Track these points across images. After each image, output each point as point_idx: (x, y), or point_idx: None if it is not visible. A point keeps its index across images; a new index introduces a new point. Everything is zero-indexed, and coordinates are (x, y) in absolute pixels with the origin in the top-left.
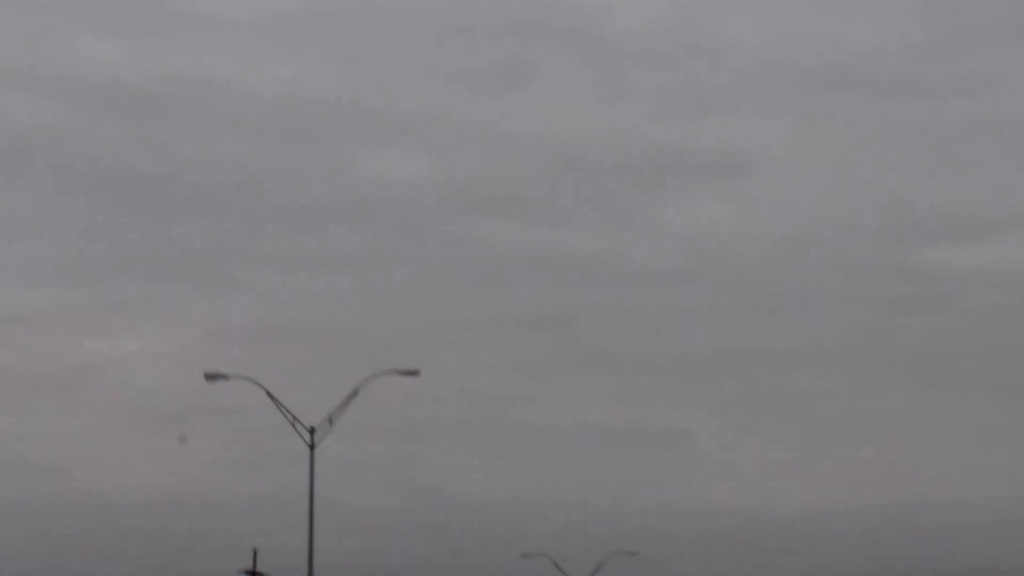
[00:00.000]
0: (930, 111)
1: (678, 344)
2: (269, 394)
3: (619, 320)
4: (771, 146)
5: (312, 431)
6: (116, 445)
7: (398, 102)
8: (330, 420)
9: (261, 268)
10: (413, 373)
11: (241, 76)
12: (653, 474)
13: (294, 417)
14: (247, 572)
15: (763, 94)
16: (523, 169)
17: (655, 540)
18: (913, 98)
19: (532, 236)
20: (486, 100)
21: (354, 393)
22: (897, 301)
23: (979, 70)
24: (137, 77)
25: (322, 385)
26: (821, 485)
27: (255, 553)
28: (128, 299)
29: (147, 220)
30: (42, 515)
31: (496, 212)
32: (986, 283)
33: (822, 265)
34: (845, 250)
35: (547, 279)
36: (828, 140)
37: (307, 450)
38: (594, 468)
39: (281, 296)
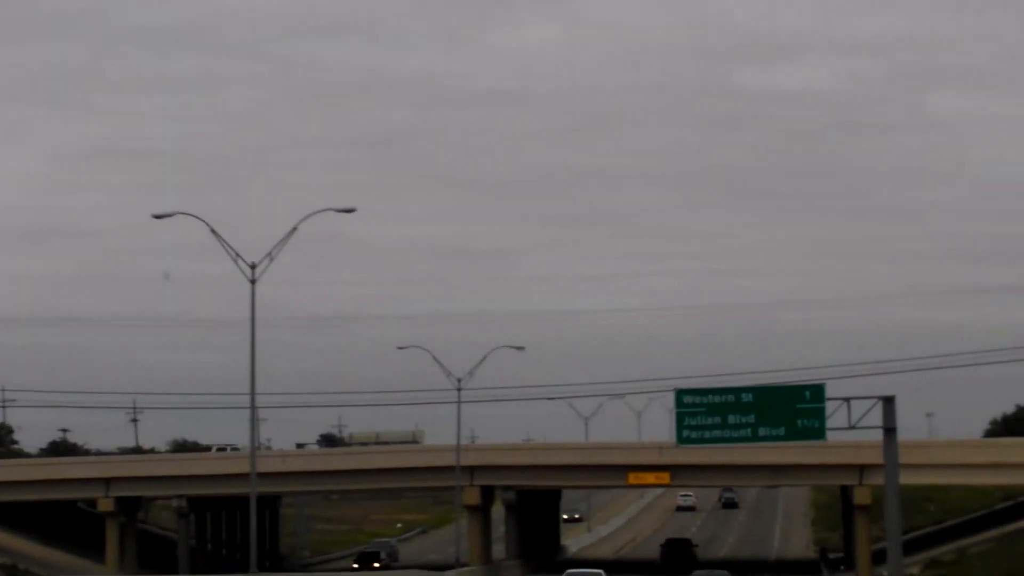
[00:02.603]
0: None
1: (507, 163)
2: None
3: (451, 139)
4: None
5: None
6: None
7: None
8: None
9: (109, 90)
10: None
11: None
12: (480, 289)
13: None
14: None
15: None
16: None
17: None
18: None
19: (367, 58)
20: None
21: None
22: (715, 120)
23: None
24: None
25: (170, 202)
26: (642, 297)
27: None
28: None
29: None
30: None
31: (333, 35)
32: (798, 103)
33: (645, 85)
34: (666, 71)
35: (381, 100)
36: None
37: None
38: (424, 283)
39: (128, 117)
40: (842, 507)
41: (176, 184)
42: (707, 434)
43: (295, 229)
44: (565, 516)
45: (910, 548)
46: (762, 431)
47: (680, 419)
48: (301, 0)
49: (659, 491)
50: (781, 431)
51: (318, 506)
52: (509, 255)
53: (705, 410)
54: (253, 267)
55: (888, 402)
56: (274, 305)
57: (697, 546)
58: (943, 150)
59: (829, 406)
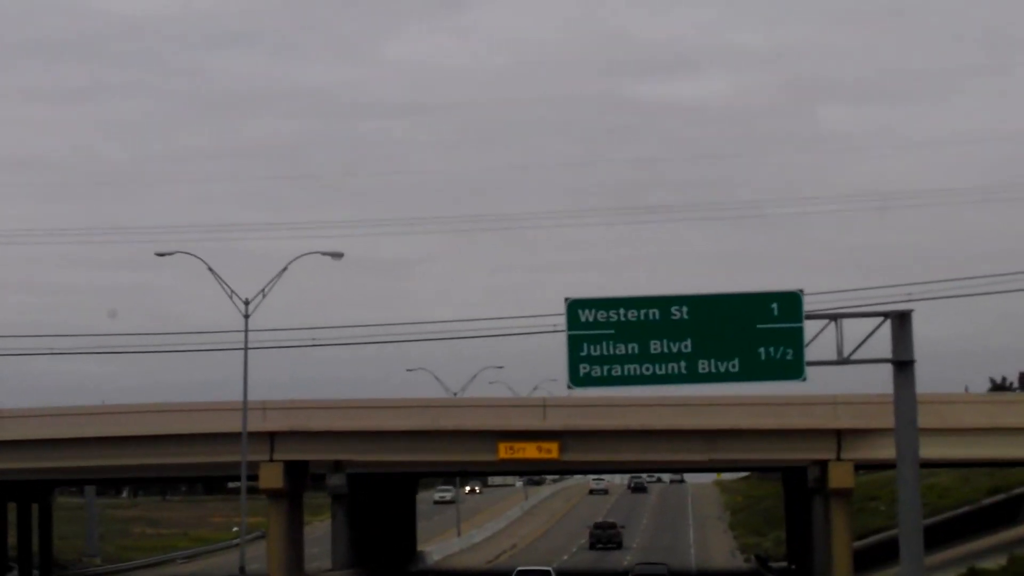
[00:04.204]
0: None
1: (405, 175)
2: None
3: (348, 150)
4: None
5: None
6: None
7: None
8: None
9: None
10: None
11: None
12: (381, 299)
13: None
14: None
15: None
16: (255, 3)
17: (379, 364)
18: None
19: (262, 69)
20: None
21: None
22: (609, 132)
23: None
24: None
25: (61, 213)
26: (539, 305)
27: None
28: None
29: None
30: None
31: (229, 45)
32: (687, 117)
33: (539, 98)
34: (561, 84)
35: (276, 110)
36: None
37: None
38: (325, 294)
39: (20, 127)
40: (786, 498)
41: (70, 195)
42: (616, 370)
43: None
44: None
45: (887, 554)
46: (703, 366)
47: (575, 346)
48: (194, 10)
49: (545, 493)
50: (734, 365)
51: (148, 506)
52: (402, 266)
53: (614, 332)
54: None
55: (902, 320)
56: (173, 316)
57: (623, 527)
58: (834, 161)
59: (809, 329)
